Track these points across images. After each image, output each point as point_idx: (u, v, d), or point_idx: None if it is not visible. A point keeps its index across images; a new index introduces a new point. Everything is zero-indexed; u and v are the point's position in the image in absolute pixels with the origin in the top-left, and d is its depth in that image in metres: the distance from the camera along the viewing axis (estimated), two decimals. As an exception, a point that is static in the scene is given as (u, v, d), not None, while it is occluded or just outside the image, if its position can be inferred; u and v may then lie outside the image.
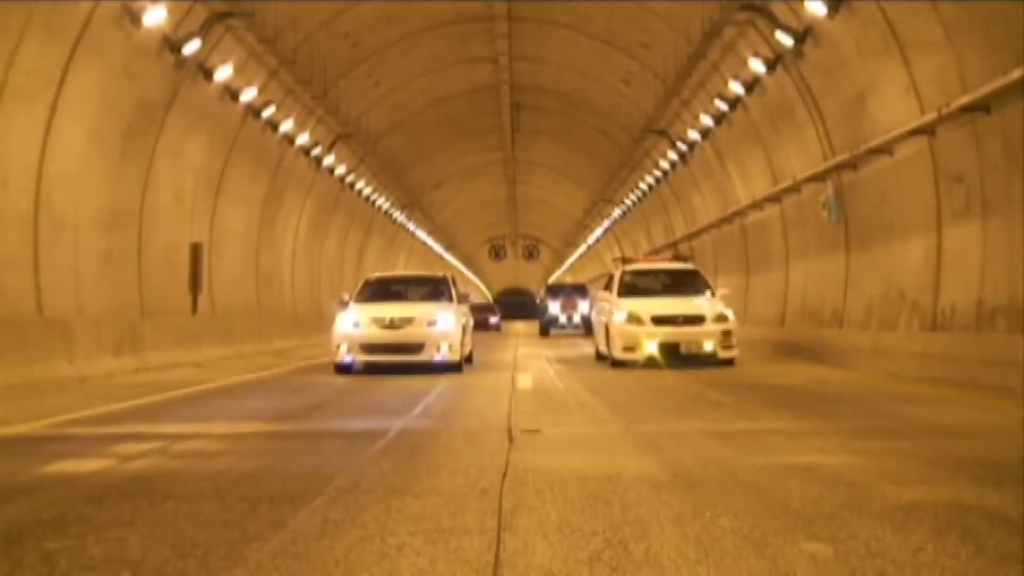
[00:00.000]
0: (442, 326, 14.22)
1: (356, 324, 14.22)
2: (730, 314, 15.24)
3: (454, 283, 16.46)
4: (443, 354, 14.04)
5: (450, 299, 15.58)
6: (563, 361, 17.88)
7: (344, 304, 15.08)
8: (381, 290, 16.13)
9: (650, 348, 14.83)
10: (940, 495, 4.77)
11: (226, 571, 3.63)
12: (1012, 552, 3.72)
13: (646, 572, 3.53)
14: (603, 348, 16.68)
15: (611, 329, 15.52)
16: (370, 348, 14.15)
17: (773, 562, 3.60)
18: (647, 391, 11.46)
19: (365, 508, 4.66)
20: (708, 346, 14.92)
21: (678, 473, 5.52)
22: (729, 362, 14.94)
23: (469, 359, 16.23)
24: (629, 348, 14.99)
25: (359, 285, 16.48)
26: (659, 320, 15.00)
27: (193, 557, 3.80)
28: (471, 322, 17.01)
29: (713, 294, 16.29)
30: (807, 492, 4.85)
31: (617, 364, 15.19)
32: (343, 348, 14.13)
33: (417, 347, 14.03)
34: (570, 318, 35.47)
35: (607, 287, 17.42)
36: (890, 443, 6.62)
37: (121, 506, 4.80)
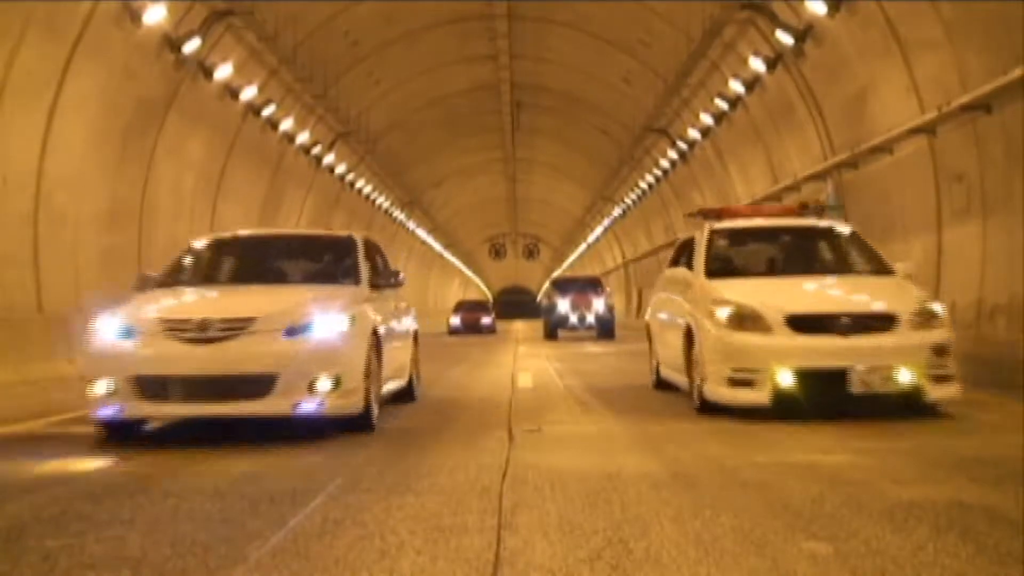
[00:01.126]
0: (320, 334, 7.05)
1: (129, 333, 7.06)
2: (940, 310, 8.12)
3: (371, 250, 9.10)
4: (319, 397, 6.87)
5: (356, 280, 8.34)
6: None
7: (143, 287, 8.27)
8: (223, 262, 8.98)
9: (784, 380, 7.60)
10: (940, 494, 4.76)
11: (226, 569, 3.62)
12: (1012, 551, 3.71)
13: (646, 570, 3.53)
14: (673, 374, 9.57)
15: (700, 339, 8.25)
16: (157, 387, 6.87)
17: (773, 561, 3.60)
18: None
19: (365, 507, 4.66)
20: (904, 376, 7.59)
21: (678, 472, 5.52)
22: (930, 408, 7.82)
23: (409, 393, 9.56)
24: (742, 380, 7.74)
25: (179, 253, 9.09)
26: (803, 323, 7.77)
27: (193, 555, 3.80)
28: (414, 326, 10.11)
29: (888, 272, 8.88)
30: (807, 491, 4.85)
31: (709, 408, 8.04)
32: (102, 387, 6.93)
33: (258, 383, 6.79)
34: (582, 318, 28.53)
35: (678, 260, 10.15)
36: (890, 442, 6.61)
37: (121, 504, 4.80)
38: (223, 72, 18.50)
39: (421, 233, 48.04)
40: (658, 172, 31.09)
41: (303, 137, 24.61)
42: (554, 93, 32.73)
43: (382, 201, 36.91)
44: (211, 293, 8.19)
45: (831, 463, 5.76)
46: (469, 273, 78.29)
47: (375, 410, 7.61)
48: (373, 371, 7.57)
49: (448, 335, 34.22)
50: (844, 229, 9.88)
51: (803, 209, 10.91)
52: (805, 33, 16.24)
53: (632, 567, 3.57)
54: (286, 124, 23.00)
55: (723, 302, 8.17)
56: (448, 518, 4.36)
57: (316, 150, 26.41)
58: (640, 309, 44.07)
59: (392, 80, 28.85)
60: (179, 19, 16.33)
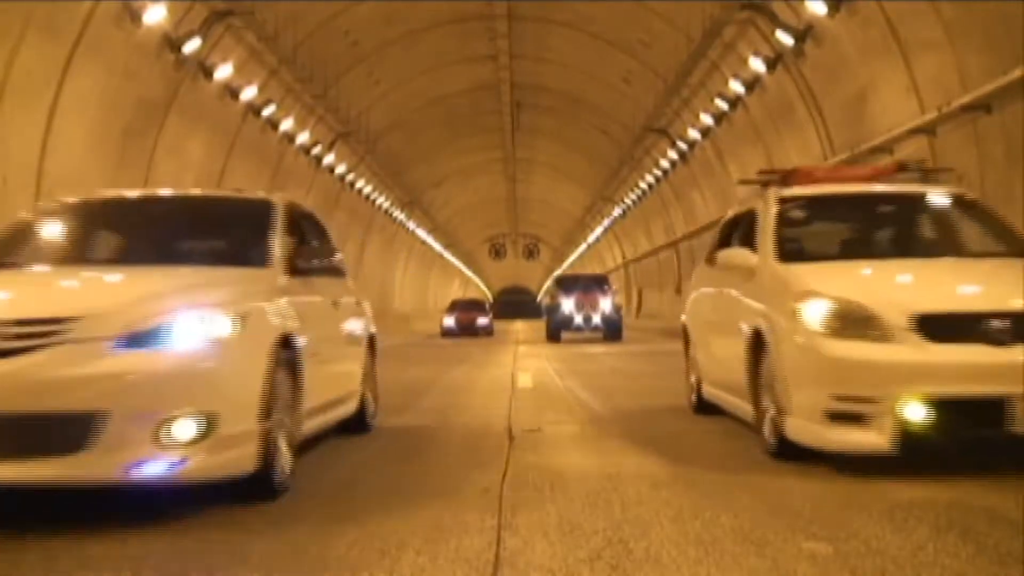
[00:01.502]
0: (181, 346, 4.34)
1: None
2: None
3: (298, 222, 6.37)
4: (175, 452, 4.19)
5: (264, 261, 5.52)
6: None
7: None
8: (79, 235, 6.11)
9: (913, 413, 5.00)
10: (940, 494, 4.76)
11: (226, 569, 3.62)
12: (1012, 551, 3.71)
13: (646, 570, 3.53)
14: (724, 395, 7.16)
15: (780, 351, 5.66)
16: None
17: (773, 561, 3.60)
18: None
19: (365, 506, 4.66)
20: None
21: (678, 472, 5.52)
22: None
23: (359, 423, 7.08)
24: (848, 413, 5.15)
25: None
26: (938, 326, 5.12)
27: (193, 555, 3.80)
28: (368, 330, 7.58)
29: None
30: (807, 491, 4.85)
31: (793, 451, 5.55)
32: None
33: (67, 427, 4.05)
34: (588, 318, 26.40)
35: (727, 242, 7.58)
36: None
37: (120, 503, 4.79)
38: (223, 72, 18.51)
39: (421, 233, 48.05)
40: (658, 172, 31.11)
41: (303, 137, 24.62)
42: (554, 93, 32.74)
43: (382, 201, 36.92)
44: (24, 279, 5.25)
45: (831, 463, 5.75)
46: (469, 273, 78.31)
47: (283, 465, 4.89)
48: (282, 402, 4.92)
49: (441, 337, 33.36)
50: (961, 197, 7.04)
51: (901, 171, 7.55)
52: (805, 33, 16.25)
53: (632, 567, 3.57)
54: (286, 124, 23.02)
55: (813, 295, 5.51)
56: (448, 518, 4.36)
57: (316, 150, 26.42)
58: (640, 309, 44.08)
59: (392, 80, 28.86)
60: (179, 19, 16.34)
